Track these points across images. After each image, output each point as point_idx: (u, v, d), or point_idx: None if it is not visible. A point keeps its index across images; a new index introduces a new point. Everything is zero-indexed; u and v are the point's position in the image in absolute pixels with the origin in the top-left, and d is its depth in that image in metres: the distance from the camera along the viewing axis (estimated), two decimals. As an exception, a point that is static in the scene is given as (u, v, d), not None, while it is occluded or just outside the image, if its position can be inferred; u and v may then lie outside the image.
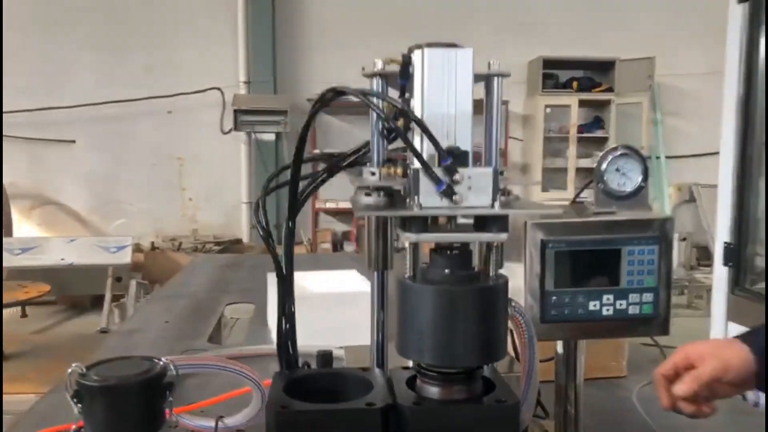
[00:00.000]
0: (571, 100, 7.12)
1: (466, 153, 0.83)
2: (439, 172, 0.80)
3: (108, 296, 5.20)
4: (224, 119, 7.06)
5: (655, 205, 7.72)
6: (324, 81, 7.10)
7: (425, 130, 0.81)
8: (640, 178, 1.04)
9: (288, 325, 0.97)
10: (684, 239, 6.72)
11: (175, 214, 7.28)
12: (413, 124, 0.85)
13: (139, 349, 1.92)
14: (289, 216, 0.98)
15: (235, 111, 6.77)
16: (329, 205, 7.10)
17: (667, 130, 7.63)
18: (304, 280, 2.13)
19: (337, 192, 7.24)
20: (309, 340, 1.85)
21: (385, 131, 0.93)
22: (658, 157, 7.62)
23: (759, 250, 3.18)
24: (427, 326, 0.81)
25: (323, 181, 1.03)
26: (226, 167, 7.24)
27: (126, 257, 5.46)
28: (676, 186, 7.64)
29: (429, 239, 0.81)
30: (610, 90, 7.20)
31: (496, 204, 0.80)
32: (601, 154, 1.04)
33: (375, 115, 0.92)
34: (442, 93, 0.85)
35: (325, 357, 1.07)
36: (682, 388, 0.92)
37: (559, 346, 1.08)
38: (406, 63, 0.88)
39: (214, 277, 3.07)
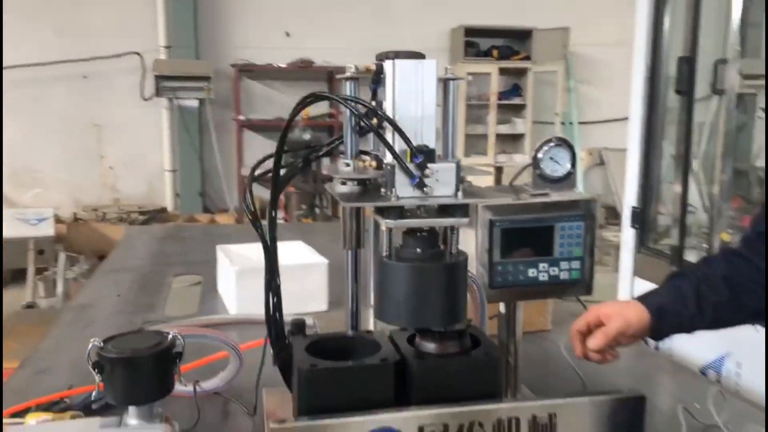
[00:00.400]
0: (491, 68, 7.39)
1: (433, 151, 0.98)
2: (411, 167, 0.95)
3: (31, 270, 5.08)
4: (144, 85, 6.88)
5: (568, 168, 8.18)
6: (246, 46, 7.04)
7: (400, 132, 0.95)
8: (569, 165, 1.23)
9: (275, 298, 1.10)
10: (594, 201, 7.20)
11: (94, 183, 7.08)
12: (385, 124, 0.99)
13: (98, 324, 1.99)
14: (271, 205, 1.10)
15: (156, 77, 6.62)
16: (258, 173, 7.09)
17: (579, 97, 8.05)
18: (254, 253, 2.24)
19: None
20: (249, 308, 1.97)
21: (357, 128, 1.07)
22: (571, 123, 8.04)
23: (662, 209, 3.52)
24: (403, 296, 0.97)
25: (301, 170, 1.15)
26: (147, 134, 7.08)
27: (49, 229, 5.32)
28: (587, 150, 8.11)
29: (405, 224, 0.96)
30: (527, 58, 7.51)
31: (459, 194, 0.96)
32: (540, 145, 1.22)
33: (348, 113, 1.06)
34: (410, 98, 1.00)
35: (299, 324, 1.21)
36: (593, 342, 1.11)
37: (502, 307, 1.26)
38: (379, 71, 1.02)
39: (153, 249, 3.11)
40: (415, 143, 0.97)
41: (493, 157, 7.63)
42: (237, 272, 2.00)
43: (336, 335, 1.11)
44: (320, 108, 7.21)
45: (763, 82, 4.31)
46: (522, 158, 7.76)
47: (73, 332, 1.87)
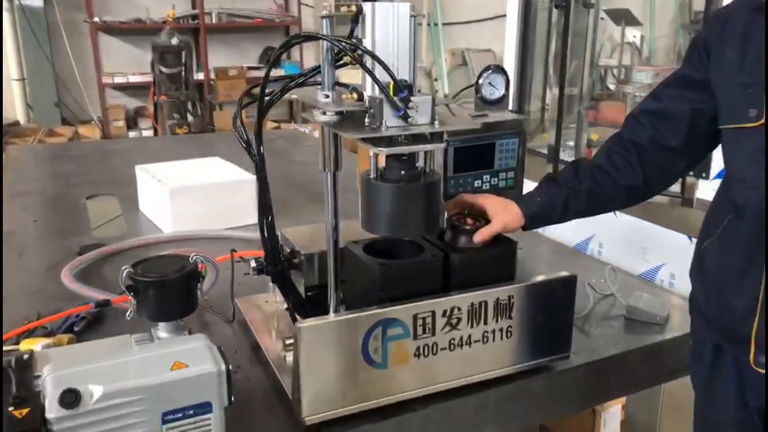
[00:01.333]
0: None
1: (411, 85, 1.13)
2: (397, 100, 1.10)
3: None
4: (-23, -18, 6.09)
5: (434, 68, 8.48)
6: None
7: (386, 69, 1.09)
8: (503, 89, 1.43)
9: (269, 218, 1.23)
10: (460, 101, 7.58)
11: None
12: (365, 61, 1.13)
13: (31, 250, 1.98)
14: (257, 142, 1.21)
15: (-8, -27, 5.88)
16: (118, 80, 6.69)
17: (443, -1, 8.24)
18: (177, 172, 2.28)
19: (125, 65, 6.82)
20: (205, 225, 2.11)
21: (333, 61, 1.19)
22: (436, 24, 8.26)
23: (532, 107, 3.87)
24: (390, 212, 1.15)
25: (278, 99, 1.25)
26: (-13, 39, 6.36)
27: None
28: (450, 51, 8.43)
29: (394, 151, 1.12)
30: (393, -42, 7.50)
31: (436, 123, 1.14)
32: (481, 72, 1.41)
33: (325, 46, 1.17)
34: (388, 38, 1.13)
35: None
36: (479, 237, 1.25)
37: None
38: (359, 11, 1.14)
39: (49, 170, 3.00)
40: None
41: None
42: (171, 191, 2.05)
43: (385, 239, 1.26)
44: (184, 7, 6.84)
45: None
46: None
47: (9, 261, 1.86)
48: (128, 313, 1.06)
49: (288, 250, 1.39)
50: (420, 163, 1.19)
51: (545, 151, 3.38)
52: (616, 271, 1.71)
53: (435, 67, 8.46)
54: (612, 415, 1.86)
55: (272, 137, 3.89)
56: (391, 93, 1.11)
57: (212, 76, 6.81)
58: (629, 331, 1.49)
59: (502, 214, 1.30)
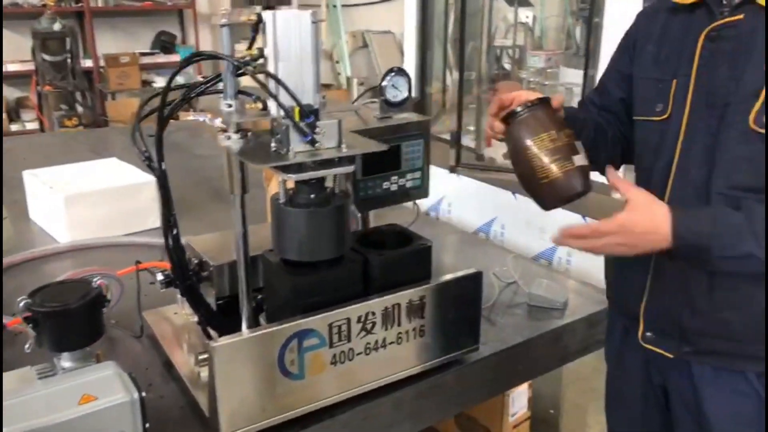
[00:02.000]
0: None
1: (318, 110, 1.13)
2: (303, 126, 1.09)
3: None
4: None
5: (335, 51, 8.42)
6: None
7: (291, 94, 1.08)
8: (406, 91, 1.45)
9: (174, 231, 1.20)
10: (362, 83, 7.57)
11: None
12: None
13: None
14: (157, 145, 1.17)
15: None
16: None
17: (340, -20, 8.17)
18: (71, 176, 2.17)
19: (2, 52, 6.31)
20: (105, 232, 2.02)
21: (235, 70, 1.17)
22: (335, 6, 8.18)
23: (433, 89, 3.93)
24: (301, 236, 1.15)
25: (180, 107, 1.21)
26: None
27: None
28: (351, 33, 8.39)
29: (302, 177, 1.11)
30: (288, -62, 7.35)
31: (343, 146, 1.14)
32: (384, 74, 1.42)
33: (227, 52, 1.15)
34: (290, 45, 1.11)
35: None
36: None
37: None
38: (259, 20, 1.12)
39: None
40: (300, 96, 1.11)
41: (263, 42, 7.54)
42: (66, 199, 1.94)
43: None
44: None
45: None
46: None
47: None
48: (27, 345, 1.01)
49: (196, 262, 1.36)
50: (330, 184, 1.20)
51: (446, 137, 3.45)
52: (518, 258, 1.79)
53: (336, 50, 8.40)
54: (519, 395, 1.97)
55: (171, 130, 3.73)
56: (297, 118, 1.10)
57: (102, 63, 6.44)
58: (532, 318, 1.57)
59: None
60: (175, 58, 6.80)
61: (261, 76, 1.11)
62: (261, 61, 1.14)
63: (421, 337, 1.27)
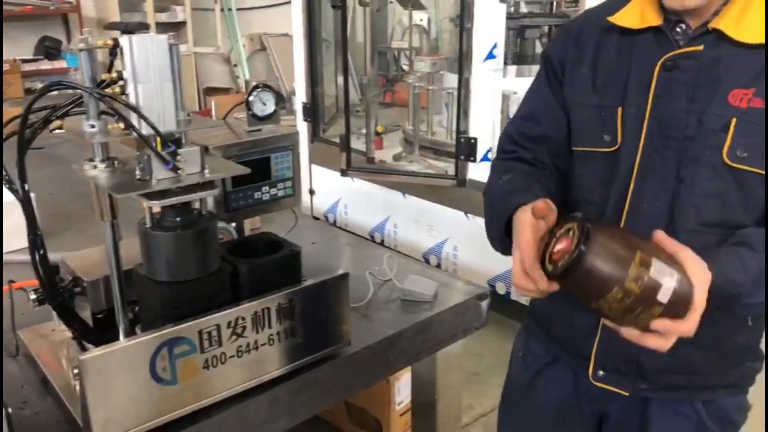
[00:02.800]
0: (141, -50, 6.95)
1: (180, 138, 1.19)
2: (165, 154, 1.15)
3: None
4: None
5: (232, 54, 8.35)
6: None
7: (151, 125, 1.14)
8: (273, 105, 1.54)
9: (41, 251, 1.22)
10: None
11: None
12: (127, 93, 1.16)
13: None
14: (19, 166, 1.19)
15: None
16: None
17: (235, -17, 8.10)
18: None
19: None
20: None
21: (97, 99, 1.21)
22: (230, 10, 8.11)
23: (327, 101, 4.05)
24: (169, 258, 1.21)
25: (41, 129, 1.23)
26: None
27: None
28: (247, 36, 8.34)
29: (167, 203, 1.17)
30: (178, -59, 7.23)
31: (206, 171, 1.21)
32: (251, 90, 1.49)
33: (87, 77, 1.19)
34: (149, 69, 1.17)
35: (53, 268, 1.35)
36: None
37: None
38: (116, 45, 1.16)
39: None
40: (159, 123, 1.17)
41: (156, 47, 7.38)
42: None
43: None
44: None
45: None
46: (186, 47, 7.67)
47: None
48: None
49: (70, 278, 1.39)
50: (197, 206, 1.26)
51: (338, 140, 3.58)
52: (393, 257, 1.91)
53: (233, 53, 8.33)
54: (403, 384, 2.10)
55: (56, 142, 3.65)
56: (159, 147, 1.16)
57: (-21, 71, 6.10)
58: (405, 311, 1.69)
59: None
60: (62, 64, 6.55)
61: (122, 107, 1.16)
62: (122, 82, 1.19)
63: (293, 337, 1.36)
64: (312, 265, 1.45)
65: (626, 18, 1.15)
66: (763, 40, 1.03)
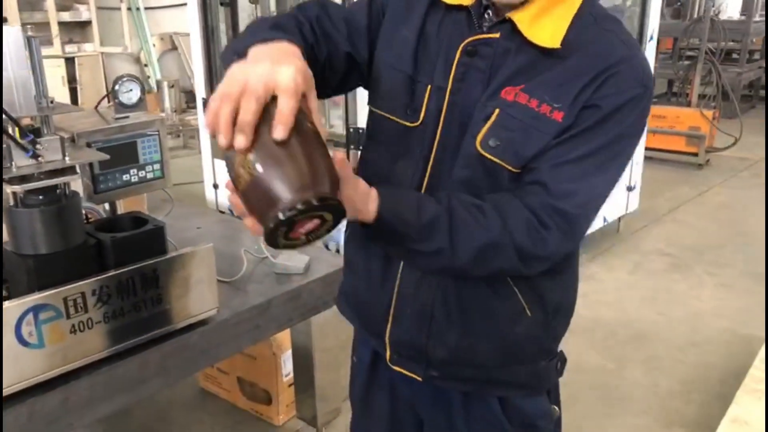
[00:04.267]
0: (39, -52, 6.79)
1: (39, 128, 1.30)
2: (25, 143, 1.26)
3: None
4: None
5: (142, 54, 8.25)
6: None
7: (10, 117, 1.24)
8: (139, 93, 1.65)
9: None
10: (172, 86, 7.50)
11: None
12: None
13: None
14: None
15: None
16: None
17: (141, -18, 8.01)
18: None
19: None
20: None
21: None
22: (138, 9, 8.01)
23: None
24: (33, 233, 1.31)
25: None
26: None
27: None
28: (158, 36, 8.26)
29: (29, 187, 1.27)
30: (79, -61, 7.10)
31: (67, 158, 1.32)
32: (115, 80, 1.61)
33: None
34: (6, 62, 1.27)
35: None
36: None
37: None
38: (-31, 37, 1.26)
39: None
40: (17, 110, 1.27)
41: (61, 47, 7.22)
42: None
43: None
44: None
45: None
46: (92, 47, 7.53)
47: None
48: None
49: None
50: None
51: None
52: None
53: (143, 53, 8.24)
54: (288, 357, 2.25)
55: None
56: (19, 137, 1.26)
57: None
58: (278, 283, 1.84)
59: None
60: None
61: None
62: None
63: (159, 304, 1.49)
64: (190, 245, 1.56)
65: None
66: (549, 44, 1.02)
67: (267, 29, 1.00)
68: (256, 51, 0.86)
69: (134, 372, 1.48)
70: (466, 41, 1.06)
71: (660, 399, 2.66)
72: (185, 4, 8.09)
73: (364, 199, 0.93)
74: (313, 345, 2.02)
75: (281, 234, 0.76)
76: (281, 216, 0.73)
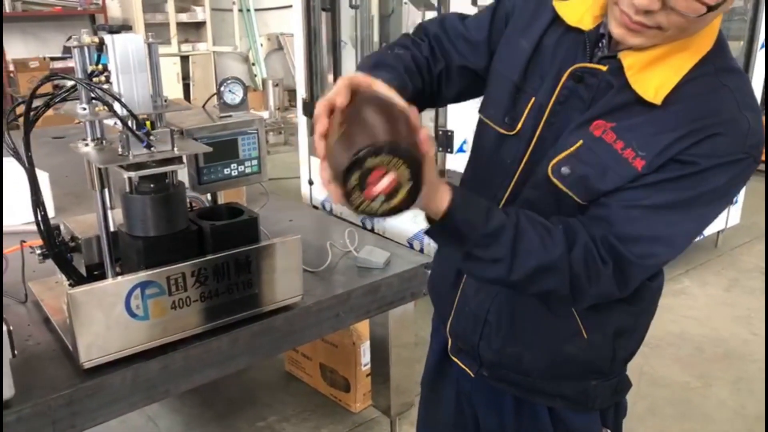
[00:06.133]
0: (163, -46, 7.31)
1: (153, 122, 1.47)
2: (141, 134, 1.42)
3: None
4: None
5: (250, 53, 8.67)
6: None
7: (131, 112, 1.41)
8: (242, 95, 1.80)
9: (43, 212, 1.51)
10: (277, 85, 7.85)
11: None
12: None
13: None
14: (25, 144, 1.47)
15: None
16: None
17: (253, -16, 8.43)
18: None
19: None
20: (6, 221, 2.25)
21: (88, 78, 1.48)
22: (249, 10, 8.44)
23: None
24: (145, 216, 1.48)
25: (43, 112, 1.51)
26: None
27: None
28: (266, 36, 8.66)
29: (141, 174, 1.44)
30: (199, -55, 7.58)
31: (176, 149, 1.48)
32: (221, 81, 1.76)
33: (79, 68, 1.46)
34: (128, 63, 1.44)
35: (54, 228, 1.63)
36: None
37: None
38: (102, 43, 1.44)
39: None
40: (136, 107, 1.44)
41: (177, 46, 7.73)
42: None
43: None
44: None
45: None
46: (206, 46, 8.01)
47: None
48: None
49: (69, 237, 1.67)
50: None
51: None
52: (354, 231, 2.17)
53: (251, 53, 8.66)
54: (368, 346, 2.36)
55: (75, 132, 3.98)
56: (135, 128, 1.43)
57: (12, 68, 6.51)
58: (359, 276, 1.95)
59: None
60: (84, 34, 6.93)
61: (108, 99, 1.43)
62: (107, 73, 1.47)
63: (250, 288, 1.62)
64: (282, 235, 1.69)
65: (569, 9, 1.09)
66: (651, 99, 0.98)
67: (369, 68, 1.10)
68: None
69: (225, 348, 1.62)
70: (575, 66, 1.05)
71: (746, 422, 2.55)
72: (291, 6, 8.47)
73: (437, 187, 0.93)
74: (390, 338, 2.11)
75: (357, 188, 0.82)
76: (355, 156, 0.80)
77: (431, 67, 1.18)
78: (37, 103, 1.47)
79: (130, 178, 1.49)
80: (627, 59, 1.01)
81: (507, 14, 1.18)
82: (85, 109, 1.50)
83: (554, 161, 1.05)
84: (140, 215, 1.49)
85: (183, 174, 1.66)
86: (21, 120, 1.47)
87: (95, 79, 1.46)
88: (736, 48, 3.74)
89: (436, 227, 0.98)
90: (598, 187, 1.01)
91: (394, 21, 7.44)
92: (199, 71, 7.97)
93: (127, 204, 1.50)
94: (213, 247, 1.58)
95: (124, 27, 1.50)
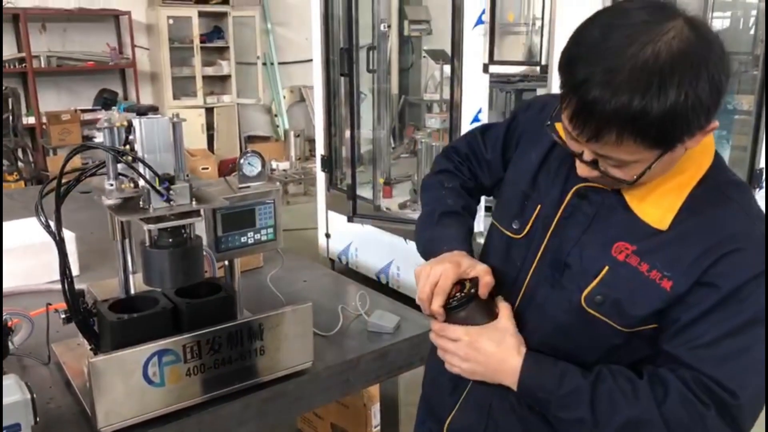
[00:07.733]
0: (190, 11, 7.63)
1: (174, 177, 1.56)
2: (161, 189, 1.52)
3: None
4: None
5: (273, 105, 8.91)
6: None
7: (152, 170, 1.51)
8: (260, 167, 1.90)
9: (69, 278, 1.59)
10: (298, 135, 8.06)
11: None
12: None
13: None
14: (56, 216, 1.57)
15: None
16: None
17: (277, 39, 8.72)
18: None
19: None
20: (30, 280, 2.37)
21: (115, 159, 1.59)
22: (272, 64, 8.71)
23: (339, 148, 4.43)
24: (162, 270, 1.56)
25: (73, 187, 1.61)
26: None
27: None
28: (288, 88, 8.91)
29: (162, 226, 1.53)
30: (225, 2, 7.90)
31: (194, 202, 1.57)
32: (240, 155, 1.86)
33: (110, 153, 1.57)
34: (154, 141, 1.55)
35: (79, 293, 1.71)
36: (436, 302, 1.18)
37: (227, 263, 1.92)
38: (130, 125, 1.55)
39: None
40: (160, 169, 1.54)
41: (203, 98, 7.99)
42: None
43: (128, 297, 1.65)
44: (10, 50, 6.76)
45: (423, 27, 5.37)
46: (230, 98, 8.25)
47: None
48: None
49: (92, 302, 1.75)
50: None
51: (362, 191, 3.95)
52: (365, 294, 2.22)
53: (274, 104, 8.90)
54: (377, 408, 2.39)
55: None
56: (157, 184, 1.53)
57: (44, 120, 6.78)
58: (369, 340, 2.00)
59: (455, 266, 1.19)
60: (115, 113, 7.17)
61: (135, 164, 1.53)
62: (134, 152, 1.57)
63: (262, 355, 1.68)
64: (295, 298, 1.77)
65: None
66: (657, 226, 1.03)
67: (437, 220, 1.35)
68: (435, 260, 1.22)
69: (237, 413, 1.67)
70: (581, 185, 1.11)
71: None
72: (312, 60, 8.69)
73: (510, 353, 1.10)
74: (400, 400, 2.14)
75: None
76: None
77: (474, 183, 1.42)
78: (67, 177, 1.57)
79: (150, 232, 1.57)
80: (627, 193, 1.06)
81: (520, 128, 1.30)
82: (112, 185, 1.59)
83: (586, 291, 1.07)
84: (159, 269, 1.56)
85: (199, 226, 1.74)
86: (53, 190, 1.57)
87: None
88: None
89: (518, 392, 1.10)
90: (631, 313, 1.04)
91: (413, 74, 7.63)
92: (223, 122, 8.20)
93: (147, 258, 1.57)
94: (191, 322, 1.62)
95: (152, 108, 1.61)
